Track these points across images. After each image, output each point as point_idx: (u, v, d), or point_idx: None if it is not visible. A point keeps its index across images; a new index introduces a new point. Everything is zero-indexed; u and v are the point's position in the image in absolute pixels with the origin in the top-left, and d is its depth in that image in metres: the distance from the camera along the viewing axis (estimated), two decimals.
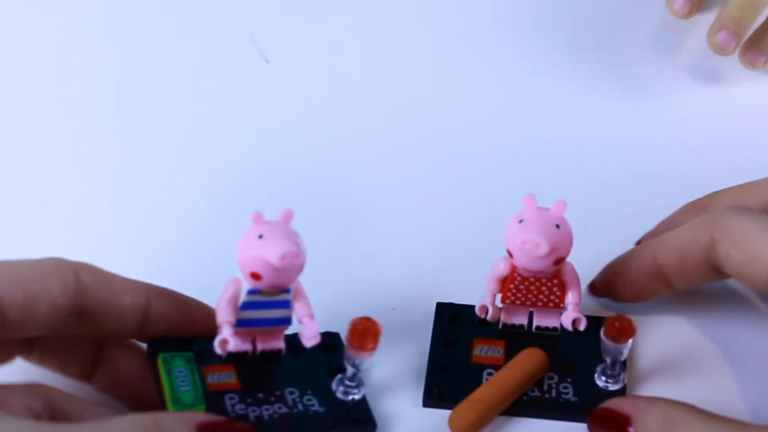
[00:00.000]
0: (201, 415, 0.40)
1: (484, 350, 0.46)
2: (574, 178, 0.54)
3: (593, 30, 0.63)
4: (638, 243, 0.51)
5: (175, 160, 0.56)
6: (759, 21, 0.58)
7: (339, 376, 0.44)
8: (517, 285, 0.45)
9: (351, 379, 0.44)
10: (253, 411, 0.43)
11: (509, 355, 0.46)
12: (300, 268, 0.42)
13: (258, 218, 0.42)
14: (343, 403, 0.44)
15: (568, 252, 0.44)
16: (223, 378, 0.44)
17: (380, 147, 0.56)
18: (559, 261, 0.43)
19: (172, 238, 0.50)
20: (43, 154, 0.56)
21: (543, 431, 0.44)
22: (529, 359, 0.45)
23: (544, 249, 0.42)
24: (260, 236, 0.41)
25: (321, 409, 0.43)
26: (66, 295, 0.40)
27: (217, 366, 0.44)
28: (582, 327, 0.45)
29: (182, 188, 0.54)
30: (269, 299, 0.43)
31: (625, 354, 0.43)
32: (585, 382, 0.45)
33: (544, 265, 0.43)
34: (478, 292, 0.48)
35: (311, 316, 0.43)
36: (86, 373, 0.43)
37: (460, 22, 0.65)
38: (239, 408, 0.43)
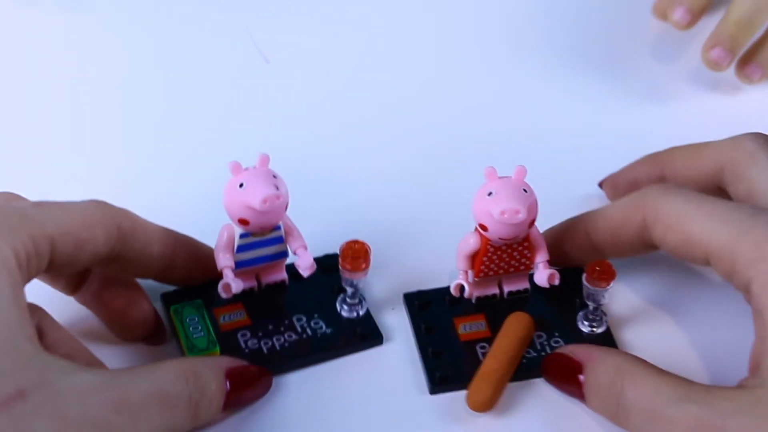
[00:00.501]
0: (228, 360, 0.43)
1: (468, 327, 0.47)
2: (576, 177, 0.54)
3: (598, 35, 0.65)
4: (600, 184, 0.53)
5: (177, 157, 0.56)
6: (755, 37, 0.58)
7: (341, 296, 0.47)
8: (490, 256, 0.46)
9: (352, 297, 0.47)
10: (265, 343, 0.45)
11: (492, 325, 0.47)
12: (284, 207, 0.44)
13: (236, 168, 0.44)
14: (349, 321, 0.47)
15: (536, 213, 0.45)
16: (234, 317, 0.46)
17: (379, 146, 0.57)
18: (531, 224, 0.45)
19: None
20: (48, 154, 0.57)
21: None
22: (517, 324, 0.46)
23: (523, 214, 0.43)
24: (241, 185, 0.43)
25: (329, 330, 0.46)
26: (107, 244, 0.42)
27: (227, 307, 0.46)
28: (557, 281, 0.46)
29: (184, 186, 0.54)
30: (262, 238, 0.45)
31: (607, 297, 0.45)
32: (571, 331, 0.47)
33: (520, 230, 0.44)
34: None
35: (305, 247, 0.46)
36: (72, 287, 0.46)
37: (463, 24, 0.66)
38: (252, 343, 0.45)
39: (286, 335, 0.46)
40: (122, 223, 0.43)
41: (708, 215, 0.42)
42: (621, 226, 0.46)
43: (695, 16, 0.59)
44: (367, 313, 0.47)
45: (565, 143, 0.57)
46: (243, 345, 0.45)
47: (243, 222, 0.44)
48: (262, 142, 0.56)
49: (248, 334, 0.46)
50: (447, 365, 0.46)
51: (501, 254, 0.46)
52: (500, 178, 0.44)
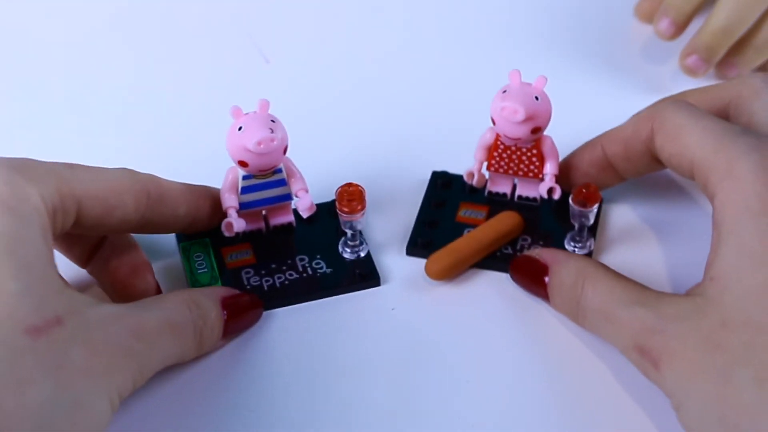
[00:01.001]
0: (222, 290, 0.45)
1: (468, 212, 0.51)
2: None
3: (601, 24, 0.66)
4: None
5: (177, 158, 0.55)
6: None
7: (342, 239, 0.49)
8: (500, 153, 0.49)
9: (352, 240, 0.49)
10: (267, 281, 0.48)
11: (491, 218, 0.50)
12: (281, 150, 0.46)
13: (237, 112, 0.46)
14: (350, 262, 0.49)
15: (545, 123, 0.48)
16: (240, 256, 0.49)
17: (381, 145, 0.57)
18: (536, 130, 0.48)
19: None
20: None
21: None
22: (504, 220, 0.49)
23: (520, 115, 0.46)
24: (240, 128, 0.45)
25: (328, 270, 0.48)
26: (138, 212, 0.44)
27: (235, 246, 0.49)
28: (556, 196, 0.49)
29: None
30: (264, 181, 0.47)
31: (591, 219, 0.48)
32: (555, 246, 0.49)
33: (521, 132, 0.47)
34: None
35: (305, 190, 0.48)
36: (84, 259, 0.47)
37: (464, 19, 0.67)
38: (254, 280, 0.48)
39: (287, 274, 0.48)
40: (150, 190, 0.44)
41: (702, 129, 0.44)
42: (632, 136, 0.48)
43: (679, 28, 0.60)
44: (368, 256, 0.49)
45: (568, 130, 0.56)
46: (245, 282, 0.47)
47: (242, 164, 0.46)
48: None
49: (252, 272, 0.48)
50: (431, 236, 0.50)
51: (510, 154, 0.49)
52: (521, 82, 0.48)
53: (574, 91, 0.60)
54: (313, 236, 0.50)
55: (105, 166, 0.44)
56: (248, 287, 0.47)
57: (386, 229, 0.51)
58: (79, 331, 0.37)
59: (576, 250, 0.49)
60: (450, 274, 0.48)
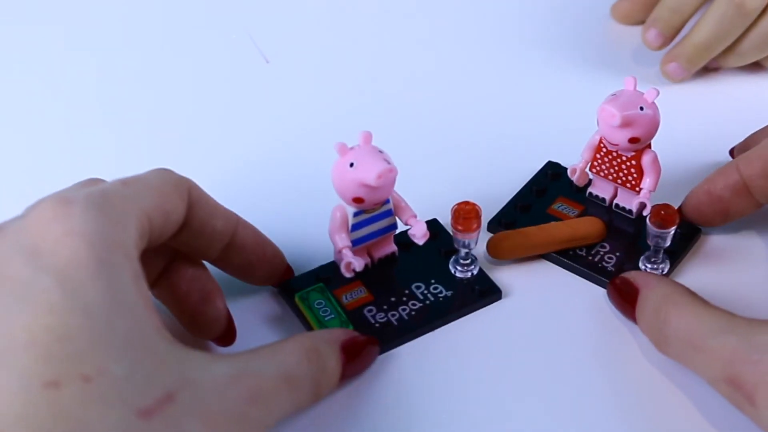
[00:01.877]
0: (341, 333, 0.43)
1: (561, 207, 0.51)
2: None
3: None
4: (730, 152, 0.53)
5: (177, 159, 0.51)
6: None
7: (453, 258, 0.48)
8: (602, 156, 0.49)
9: (464, 258, 0.48)
10: (393, 315, 0.46)
11: None
12: (394, 180, 0.45)
13: (343, 149, 0.44)
14: (466, 281, 0.48)
15: (646, 135, 0.47)
16: (356, 295, 0.47)
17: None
18: (634, 140, 0.47)
19: None
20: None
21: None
22: (584, 222, 0.49)
23: (616, 120, 0.46)
24: (351, 164, 0.43)
25: (449, 293, 0.47)
26: (184, 213, 0.41)
27: (346, 286, 0.47)
28: (645, 212, 0.48)
29: None
30: (374, 214, 0.46)
31: (667, 242, 0.46)
32: (630, 261, 0.48)
33: (619, 138, 0.47)
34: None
35: (416, 217, 0.47)
36: (152, 280, 0.44)
37: (464, 18, 0.66)
38: (380, 317, 0.46)
39: (410, 304, 0.47)
40: (189, 187, 0.42)
41: None
42: None
43: (667, 39, 0.61)
44: (481, 271, 0.48)
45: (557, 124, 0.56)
46: (372, 321, 0.46)
47: (357, 200, 0.44)
48: (261, 142, 0.57)
49: (374, 309, 0.46)
50: (517, 218, 0.51)
51: (611, 159, 0.49)
52: (633, 89, 0.47)
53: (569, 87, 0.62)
54: (418, 262, 0.49)
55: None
56: (376, 325, 0.46)
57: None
58: (192, 403, 0.35)
59: (649, 270, 0.48)
60: (508, 255, 0.49)
